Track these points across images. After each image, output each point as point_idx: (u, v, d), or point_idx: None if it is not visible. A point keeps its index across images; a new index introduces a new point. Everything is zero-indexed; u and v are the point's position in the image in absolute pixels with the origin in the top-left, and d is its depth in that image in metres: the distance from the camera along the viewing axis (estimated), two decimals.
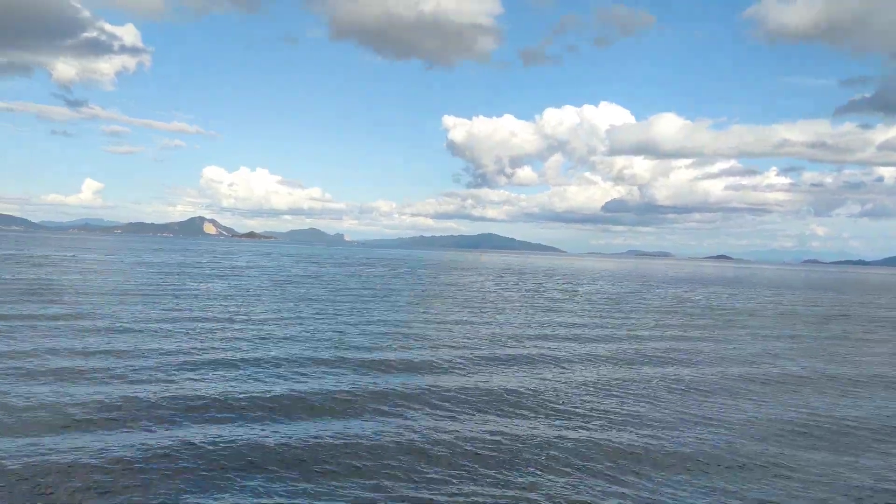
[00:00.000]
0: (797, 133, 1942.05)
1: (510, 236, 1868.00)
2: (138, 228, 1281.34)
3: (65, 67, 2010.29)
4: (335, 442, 13.73)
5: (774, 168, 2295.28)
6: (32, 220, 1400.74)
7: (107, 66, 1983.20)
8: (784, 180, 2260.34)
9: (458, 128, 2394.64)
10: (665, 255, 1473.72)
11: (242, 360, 21.68)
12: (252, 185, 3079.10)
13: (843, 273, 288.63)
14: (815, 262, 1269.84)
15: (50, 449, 12.59)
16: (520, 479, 12.24)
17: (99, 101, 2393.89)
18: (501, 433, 14.81)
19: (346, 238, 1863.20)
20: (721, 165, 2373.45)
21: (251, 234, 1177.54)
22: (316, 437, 13.92)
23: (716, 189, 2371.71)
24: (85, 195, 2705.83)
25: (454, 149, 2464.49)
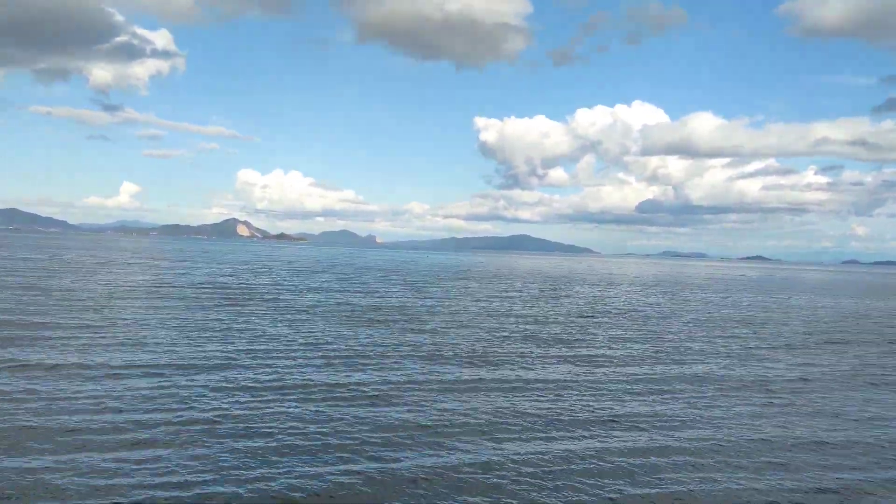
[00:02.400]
0: (836, 131, 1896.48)
1: (543, 238, 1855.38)
2: (173, 231, 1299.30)
3: (100, 72, 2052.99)
4: None
5: (813, 167, 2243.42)
6: (71, 223, 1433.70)
7: (141, 71, 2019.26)
8: (823, 179, 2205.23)
9: (489, 129, 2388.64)
10: (701, 256, 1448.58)
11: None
12: (285, 187, 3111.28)
13: (884, 276, 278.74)
14: (854, 262, 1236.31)
15: None
16: None
17: (135, 106, 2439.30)
18: None
19: (378, 240, 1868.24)
20: (758, 165, 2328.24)
21: (282, 236, 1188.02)
22: None
23: (752, 189, 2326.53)
24: (123, 198, 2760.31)
25: (486, 150, 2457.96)
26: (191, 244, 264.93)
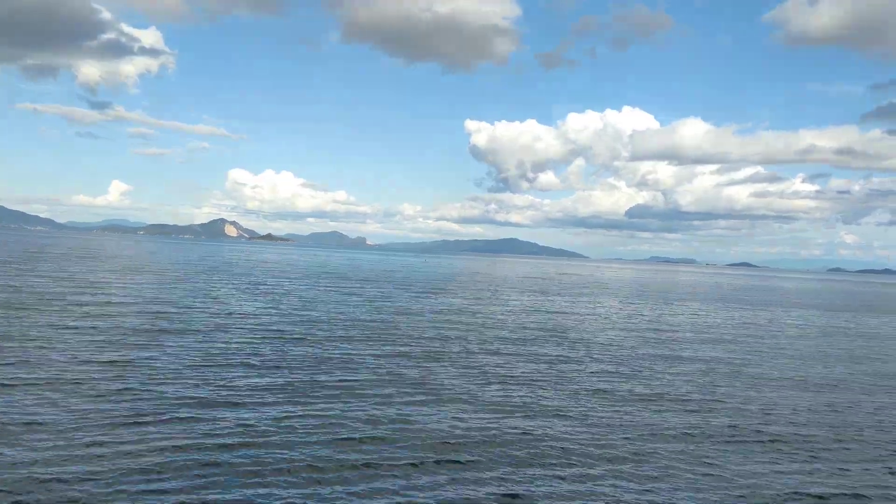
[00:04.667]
0: (824, 139, 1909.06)
1: (533, 241, 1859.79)
2: (160, 230, 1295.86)
3: (89, 70, 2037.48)
4: None
5: (801, 174, 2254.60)
6: (58, 221, 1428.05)
7: (129, 69, 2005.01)
8: (810, 187, 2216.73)
9: (481, 132, 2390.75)
10: (689, 261, 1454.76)
11: None
12: (276, 187, 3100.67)
13: (860, 284, 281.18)
14: (839, 270, 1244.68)
15: None
16: None
17: (124, 104, 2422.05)
18: None
19: (368, 242, 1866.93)
20: (747, 171, 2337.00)
21: (268, 237, 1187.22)
22: None
23: (741, 196, 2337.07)
24: (112, 196, 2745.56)
25: (477, 153, 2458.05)
26: (160, 245, 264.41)
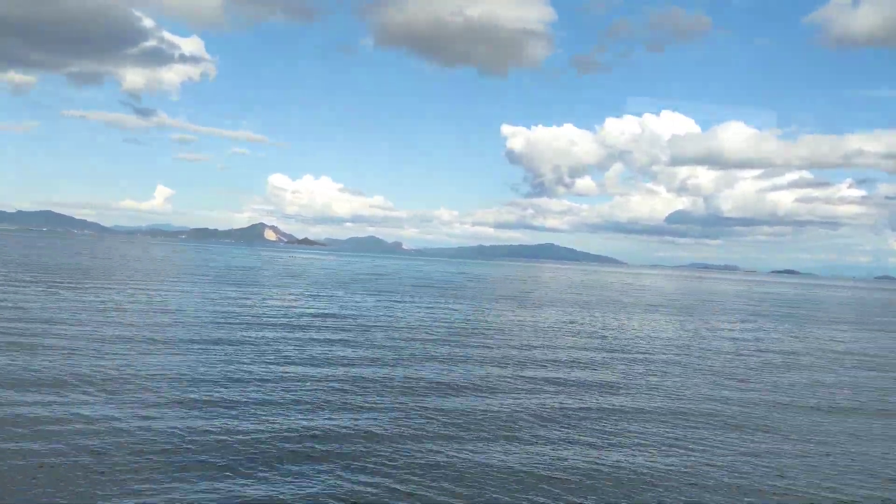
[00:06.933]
0: (871, 143, 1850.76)
1: (570, 247, 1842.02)
2: (202, 234, 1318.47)
3: (133, 77, 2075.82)
4: None
5: (848, 180, 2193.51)
6: (104, 225, 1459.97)
7: (171, 76, 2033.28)
8: (857, 192, 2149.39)
9: (517, 137, 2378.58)
10: (730, 268, 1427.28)
11: None
12: (314, 192, 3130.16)
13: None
14: (887, 278, 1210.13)
15: None
16: None
17: (166, 110, 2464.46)
18: None
19: (404, 246, 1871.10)
20: (791, 177, 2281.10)
21: (305, 241, 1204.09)
22: None
23: (785, 201, 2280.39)
24: (157, 201, 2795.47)
25: (513, 158, 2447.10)
26: (178, 250, 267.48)
